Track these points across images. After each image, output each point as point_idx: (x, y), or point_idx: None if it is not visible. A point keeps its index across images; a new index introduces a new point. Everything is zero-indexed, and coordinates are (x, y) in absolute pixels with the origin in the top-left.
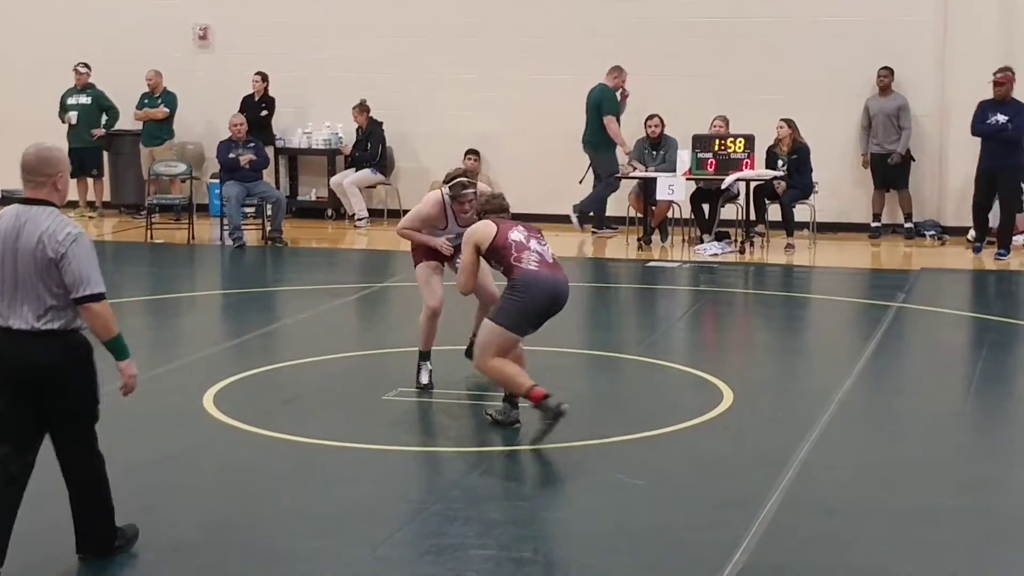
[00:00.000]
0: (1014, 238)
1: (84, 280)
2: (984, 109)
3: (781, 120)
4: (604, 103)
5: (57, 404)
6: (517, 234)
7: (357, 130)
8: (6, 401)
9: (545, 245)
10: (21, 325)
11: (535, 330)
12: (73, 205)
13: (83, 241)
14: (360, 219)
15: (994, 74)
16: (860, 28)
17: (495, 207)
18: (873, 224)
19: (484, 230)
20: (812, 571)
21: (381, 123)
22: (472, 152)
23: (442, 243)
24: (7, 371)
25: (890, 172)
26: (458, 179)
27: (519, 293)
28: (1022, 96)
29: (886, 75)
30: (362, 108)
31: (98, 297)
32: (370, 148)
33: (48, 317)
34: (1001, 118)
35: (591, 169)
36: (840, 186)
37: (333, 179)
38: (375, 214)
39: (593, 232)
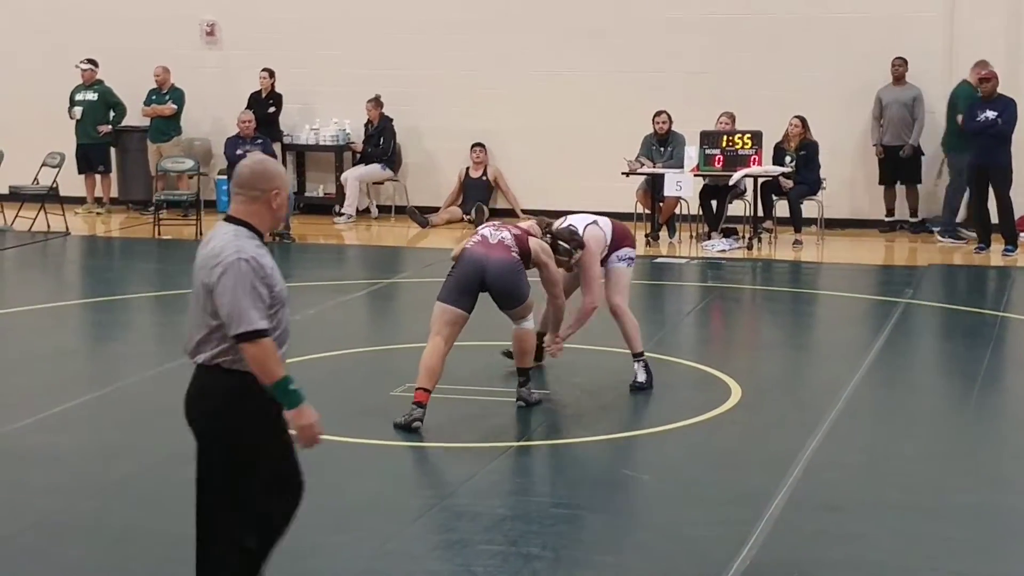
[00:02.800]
0: (1021, 235)
1: (236, 316)
2: (973, 107)
3: (795, 117)
4: (960, 101)
5: (204, 454)
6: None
7: (367, 125)
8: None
9: (500, 232)
10: (188, 352)
11: (470, 302)
12: (80, 201)
13: (237, 270)
14: (342, 214)
15: (978, 71)
16: (868, 24)
17: None
18: (887, 219)
19: None
20: (819, 567)
21: (391, 119)
22: (478, 145)
23: None
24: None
25: (901, 165)
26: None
27: (453, 268)
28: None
29: (900, 64)
30: (376, 103)
31: (252, 336)
32: (382, 143)
33: (201, 350)
34: (991, 114)
35: (944, 170)
36: (848, 182)
37: (344, 174)
38: (383, 210)
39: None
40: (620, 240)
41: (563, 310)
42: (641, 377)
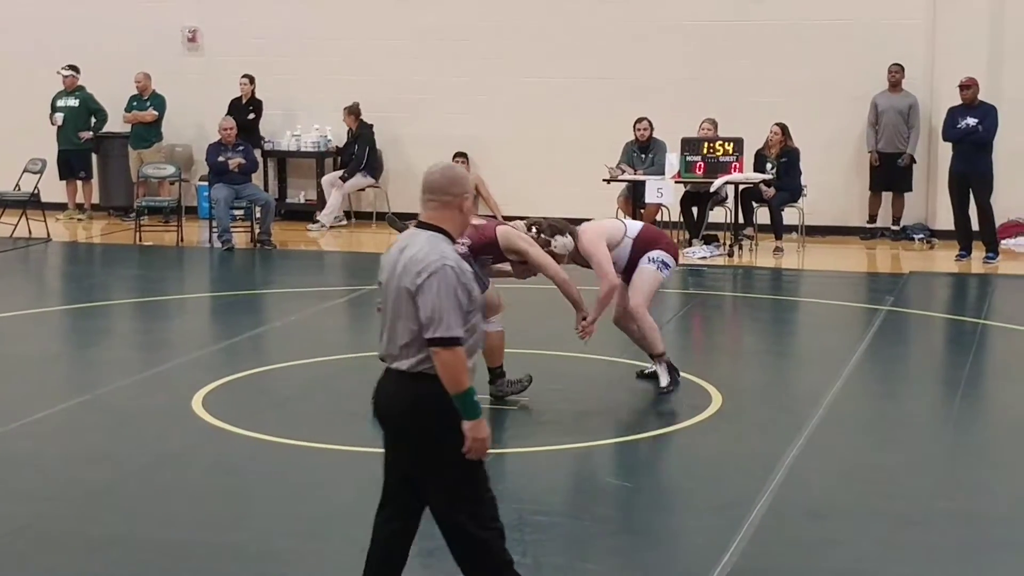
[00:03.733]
0: (1003, 242)
1: (436, 320)
2: (953, 114)
3: (775, 125)
4: None
5: (407, 457)
6: None
7: (348, 132)
8: (385, 452)
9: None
10: (387, 362)
11: None
12: (62, 207)
13: (444, 275)
14: (316, 223)
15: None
16: (849, 31)
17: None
18: (869, 225)
19: None
20: (800, 574)
21: (371, 126)
22: (460, 155)
23: None
24: (378, 415)
25: (896, 173)
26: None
27: None
28: (1012, 100)
29: (897, 71)
30: (351, 111)
31: (448, 342)
32: (357, 151)
33: (398, 355)
34: (971, 121)
35: None
36: (829, 189)
37: (325, 179)
38: (363, 217)
39: None
40: (652, 241)
41: (571, 289)
42: (664, 381)
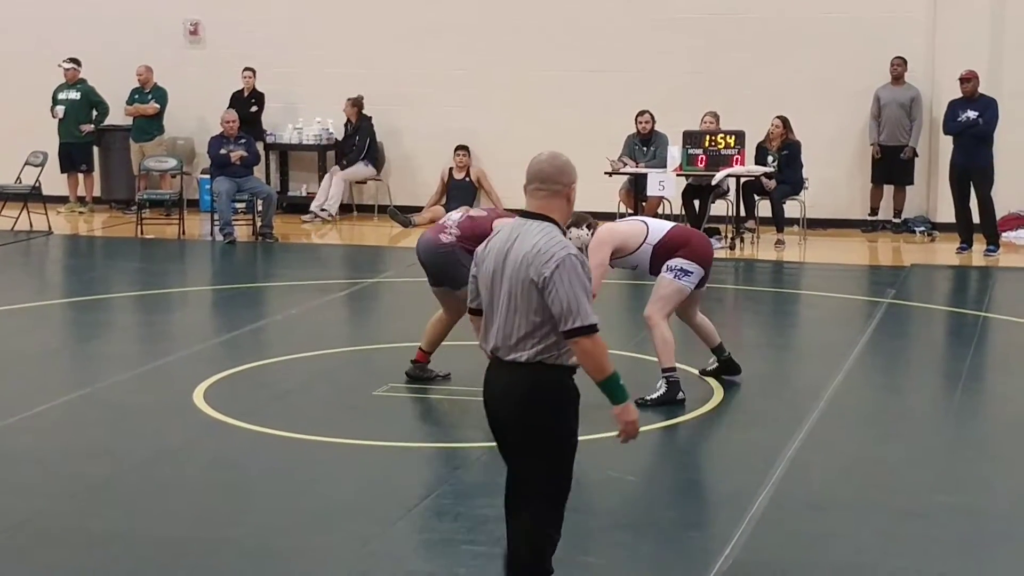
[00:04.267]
0: (1004, 235)
1: (573, 310)
2: (954, 107)
3: (776, 118)
4: None
5: (515, 449)
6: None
7: (346, 124)
8: (496, 439)
9: (455, 214)
10: (500, 355)
11: (430, 281)
12: (63, 200)
13: (571, 265)
14: (313, 211)
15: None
16: (851, 25)
17: None
18: (870, 218)
19: None
20: (801, 567)
21: (371, 118)
22: (462, 148)
23: None
24: (486, 403)
25: (898, 166)
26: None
27: None
28: (1013, 93)
29: (899, 64)
30: (354, 103)
31: (588, 330)
32: (358, 143)
33: (514, 346)
34: (972, 114)
35: None
36: (831, 182)
37: (332, 170)
38: (365, 209)
39: None
40: (673, 248)
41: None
42: (652, 395)
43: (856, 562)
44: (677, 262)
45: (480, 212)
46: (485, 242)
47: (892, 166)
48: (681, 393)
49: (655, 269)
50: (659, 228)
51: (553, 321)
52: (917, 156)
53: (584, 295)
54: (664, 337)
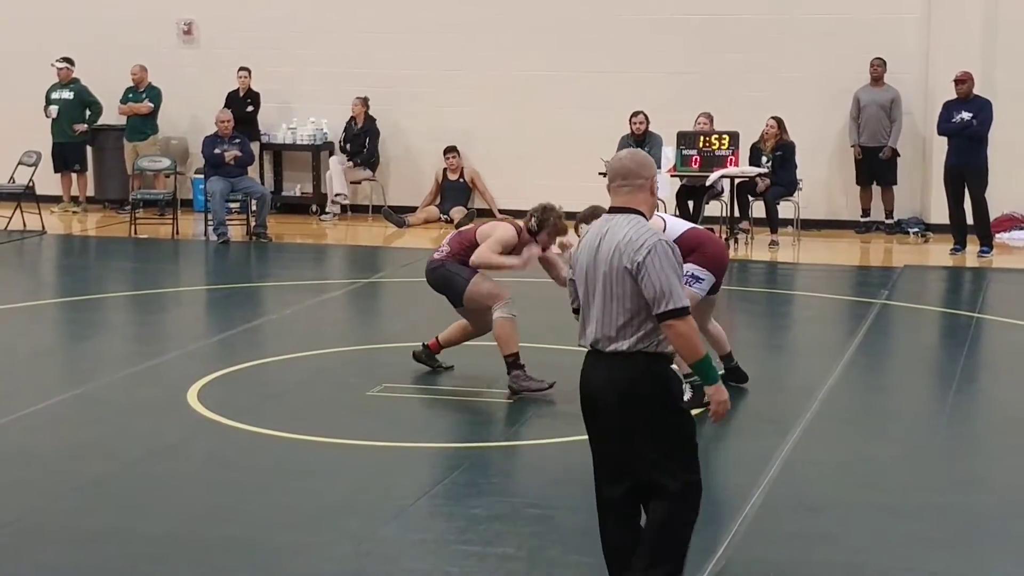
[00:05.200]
0: (997, 236)
1: (667, 293)
2: (949, 108)
3: (771, 118)
4: None
5: (613, 442)
6: None
7: (350, 122)
8: (592, 433)
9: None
10: (600, 346)
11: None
12: (57, 200)
13: (663, 250)
14: (328, 212)
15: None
16: (845, 25)
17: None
18: (862, 219)
19: None
20: (794, 567)
21: (375, 120)
22: (451, 150)
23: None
24: (586, 396)
25: (878, 167)
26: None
27: None
28: (1006, 95)
29: (879, 65)
30: (364, 103)
31: (681, 312)
32: (369, 143)
33: (614, 336)
34: (966, 115)
35: None
36: (824, 183)
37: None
38: (359, 210)
39: None
40: (687, 250)
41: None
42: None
43: (850, 562)
44: (688, 267)
45: (471, 226)
46: (577, 243)
47: (873, 167)
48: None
49: None
50: (675, 228)
51: (648, 309)
52: (899, 156)
53: (676, 279)
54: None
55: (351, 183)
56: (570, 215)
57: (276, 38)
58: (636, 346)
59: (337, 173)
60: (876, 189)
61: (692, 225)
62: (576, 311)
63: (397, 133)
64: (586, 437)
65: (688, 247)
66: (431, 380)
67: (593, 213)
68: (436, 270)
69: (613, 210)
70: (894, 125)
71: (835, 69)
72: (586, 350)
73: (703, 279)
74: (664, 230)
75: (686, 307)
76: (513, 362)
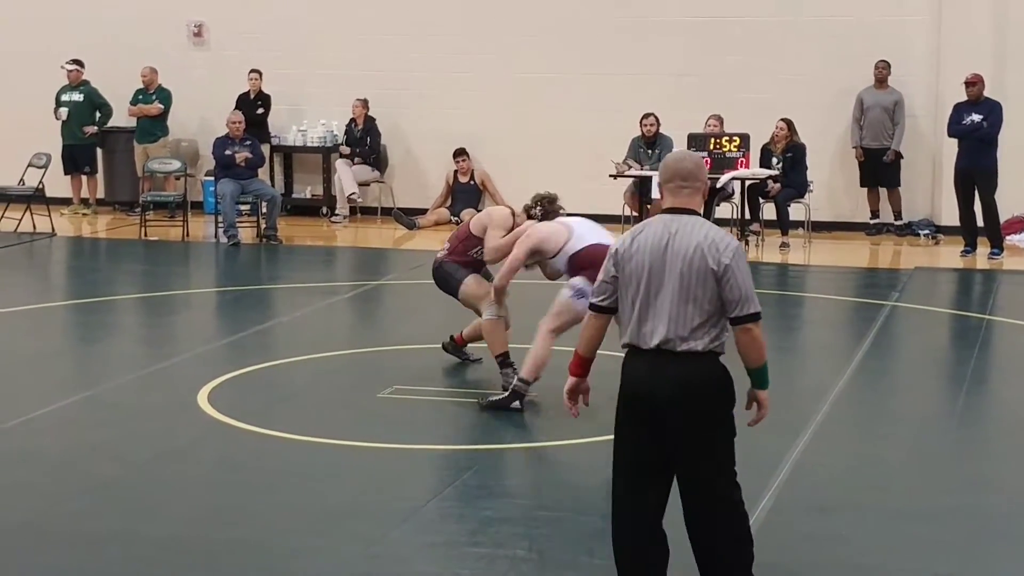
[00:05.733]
0: (1007, 238)
1: (747, 298)
2: (959, 111)
3: (781, 120)
4: None
5: (683, 438)
6: None
7: (350, 124)
8: (638, 433)
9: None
10: (670, 346)
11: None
12: (66, 202)
13: (743, 253)
14: (337, 215)
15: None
16: (855, 27)
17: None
18: (872, 221)
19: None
20: (805, 569)
21: (375, 119)
22: (461, 152)
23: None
24: (641, 396)
25: (882, 169)
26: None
27: None
28: (1016, 97)
29: (883, 67)
30: (365, 104)
31: (757, 317)
32: (370, 143)
33: (687, 336)
34: (976, 117)
35: None
36: (834, 185)
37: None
38: (368, 212)
39: None
40: (582, 267)
41: (500, 282)
42: (498, 397)
43: (861, 564)
44: (579, 280)
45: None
46: (627, 240)
47: (877, 169)
48: (518, 404)
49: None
50: (582, 238)
51: (721, 311)
52: (902, 158)
53: (752, 283)
54: (539, 353)
55: (359, 184)
56: (577, 216)
57: (286, 40)
58: (708, 346)
59: (346, 174)
60: (883, 191)
61: (599, 240)
62: (602, 309)
63: (406, 135)
64: (597, 439)
65: (586, 262)
66: (441, 382)
67: (551, 200)
68: (437, 270)
69: (673, 211)
70: (897, 127)
71: (841, 72)
72: (637, 350)
73: (584, 295)
74: (563, 247)
75: (760, 312)
76: (502, 361)
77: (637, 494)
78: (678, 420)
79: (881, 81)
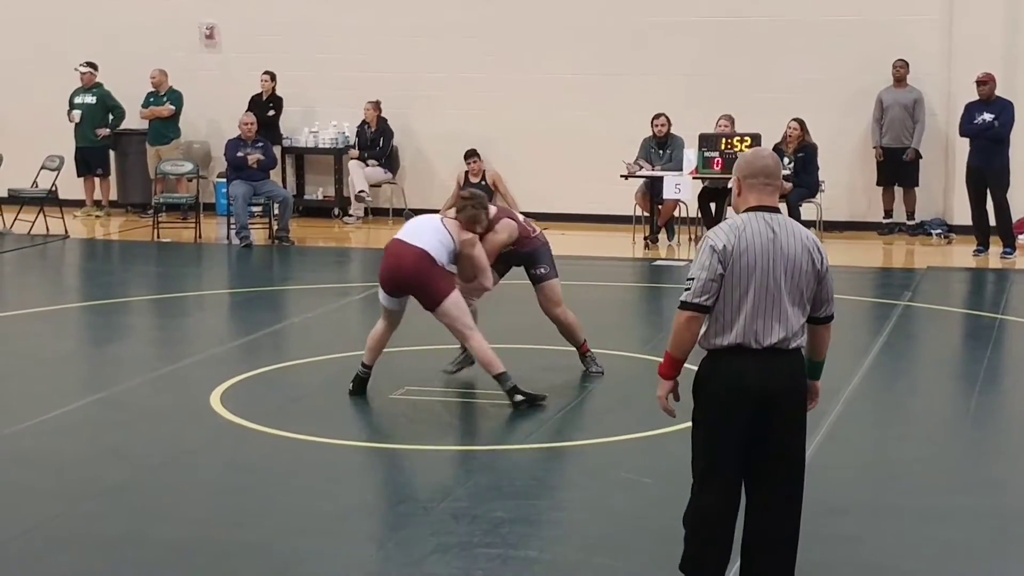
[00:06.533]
0: (1020, 237)
1: (832, 297)
2: (971, 110)
3: (793, 120)
4: None
5: (781, 436)
6: None
7: (362, 126)
8: (738, 431)
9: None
10: (782, 345)
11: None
12: (79, 204)
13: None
14: (351, 215)
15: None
16: (866, 26)
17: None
18: (884, 221)
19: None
20: (818, 570)
21: (386, 120)
22: (472, 154)
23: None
24: (748, 394)
25: (902, 168)
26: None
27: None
28: (1022, 96)
29: (902, 66)
30: (376, 106)
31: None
32: (382, 145)
33: (796, 334)
34: (988, 116)
35: None
36: (846, 184)
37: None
38: (380, 213)
39: None
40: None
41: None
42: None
43: (874, 564)
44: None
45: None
46: (732, 238)
47: (896, 168)
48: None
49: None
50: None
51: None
52: (921, 157)
53: None
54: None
55: (371, 186)
56: (586, 217)
57: (298, 42)
58: (799, 343)
59: (358, 174)
60: (898, 191)
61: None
62: (703, 308)
63: (417, 136)
64: (607, 439)
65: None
66: (453, 383)
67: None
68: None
69: (764, 208)
70: (917, 126)
71: (857, 70)
72: (744, 349)
73: None
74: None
75: None
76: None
77: (728, 494)
78: (788, 409)
79: (900, 80)
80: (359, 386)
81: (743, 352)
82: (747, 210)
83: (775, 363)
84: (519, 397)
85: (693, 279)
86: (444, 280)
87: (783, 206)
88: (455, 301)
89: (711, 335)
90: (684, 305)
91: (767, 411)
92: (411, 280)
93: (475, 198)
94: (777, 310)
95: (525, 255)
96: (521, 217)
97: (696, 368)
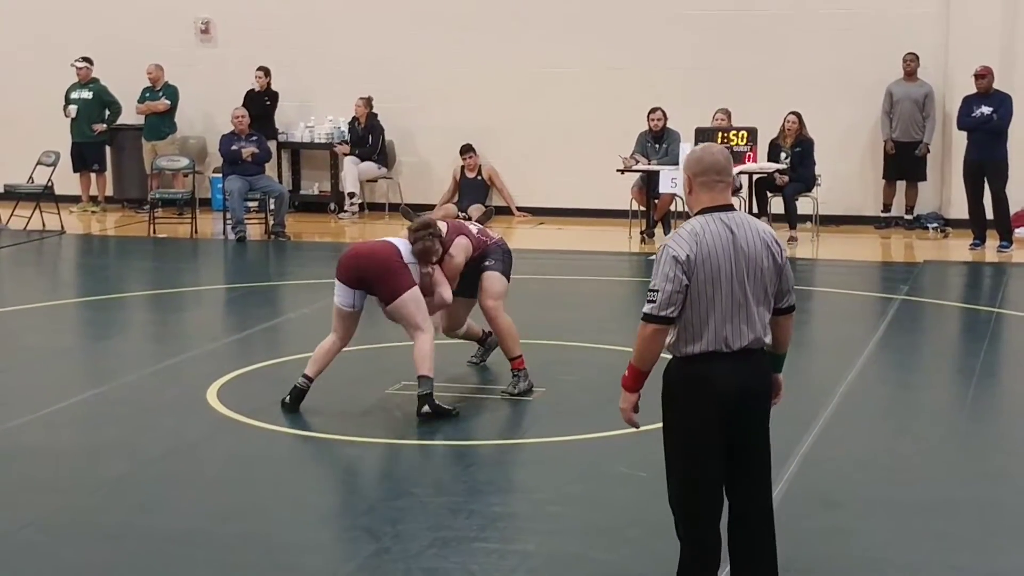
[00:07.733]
0: (1017, 231)
1: (792, 289)
2: (969, 103)
3: (791, 114)
4: None
5: (750, 434)
6: None
7: (353, 122)
8: (718, 435)
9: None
10: (754, 345)
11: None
12: (76, 200)
13: None
14: (345, 211)
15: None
16: (863, 20)
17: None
18: (883, 215)
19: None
20: (815, 563)
21: (377, 115)
22: (468, 149)
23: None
24: (727, 396)
25: (911, 163)
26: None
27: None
28: (1022, 89)
29: (912, 60)
30: (367, 103)
31: (794, 307)
32: (371, 142)
33: (763, 334)
34: (986, 110)
35: None
36: (843, 178)
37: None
38: (376, 208)
39: None
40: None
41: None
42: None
43: (870, 557)
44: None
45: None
46: (692, 246)
47: (905, 162)
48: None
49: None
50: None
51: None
52: (930, 152)
53: None
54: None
55: (367, 181)
56: (582, 211)
57: (293, 37)
58: (767, 340)
59: (350, 172)
60: (899, 184)
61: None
62: (666, 320)
63: (413, 131)
64: (604, 433)
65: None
66: (450, 378)
67: (430, 231)
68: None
69: (719, 208)
70: (928, 121)
71: (853, 64)
72: (717, 354)
73: None
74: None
75: None
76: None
77: (715, 498)
78: (756, 408)
79: (910, 74)
80: (296, 400)
81: (715, 357)
82: (702, 211)
83: (747, 364)
84: (427, 408)
85: (657, 291)
86: (408, 275)
87: (778, 200)
88: (415, 297)
89: (681, 344)
90: (649, 318)
91: (739, 411)
92: (375, 267)
93: (426, 227)
94: (745, 313)
95: (478, 257)
96: (475, 229)
97: (663, 372)
